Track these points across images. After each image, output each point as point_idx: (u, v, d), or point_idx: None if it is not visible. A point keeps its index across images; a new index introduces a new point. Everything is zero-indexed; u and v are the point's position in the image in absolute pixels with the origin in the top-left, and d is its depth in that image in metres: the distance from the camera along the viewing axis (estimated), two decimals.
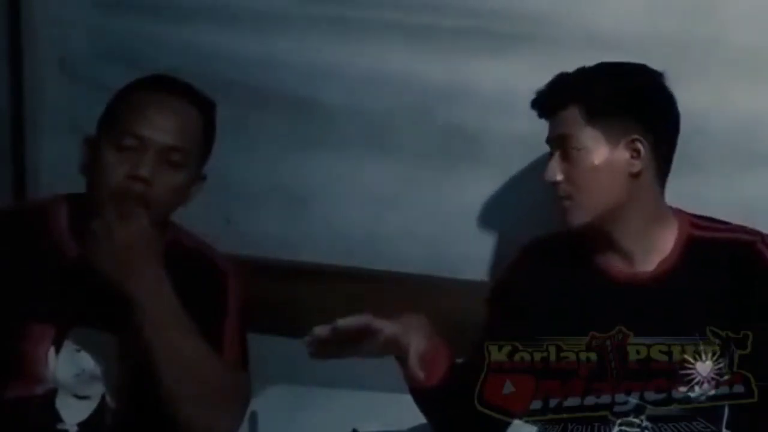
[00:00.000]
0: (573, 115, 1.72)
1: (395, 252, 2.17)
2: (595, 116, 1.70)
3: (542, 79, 1.77)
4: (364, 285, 2.18)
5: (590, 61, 1.78)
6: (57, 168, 2.30)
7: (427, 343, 1.64)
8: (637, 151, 1.71)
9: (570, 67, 1.77)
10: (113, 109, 1.73)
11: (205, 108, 1.75)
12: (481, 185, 2.10)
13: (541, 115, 1.78)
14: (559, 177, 1.73)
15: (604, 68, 1.75)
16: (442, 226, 2.13)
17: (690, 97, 1.88)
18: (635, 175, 1.72)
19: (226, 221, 2.24)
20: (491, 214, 2.10)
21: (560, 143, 1.73)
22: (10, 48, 2.38)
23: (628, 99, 1.72)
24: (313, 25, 2.17)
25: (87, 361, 1.69)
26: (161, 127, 1.67)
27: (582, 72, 1.75)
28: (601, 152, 1.71)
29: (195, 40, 2.25)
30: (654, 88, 1.74)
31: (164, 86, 1.73)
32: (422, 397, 1.68)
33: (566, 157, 1.73)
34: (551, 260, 1.79)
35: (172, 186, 1.68)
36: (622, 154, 1.71)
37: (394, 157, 2.16)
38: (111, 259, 1.60)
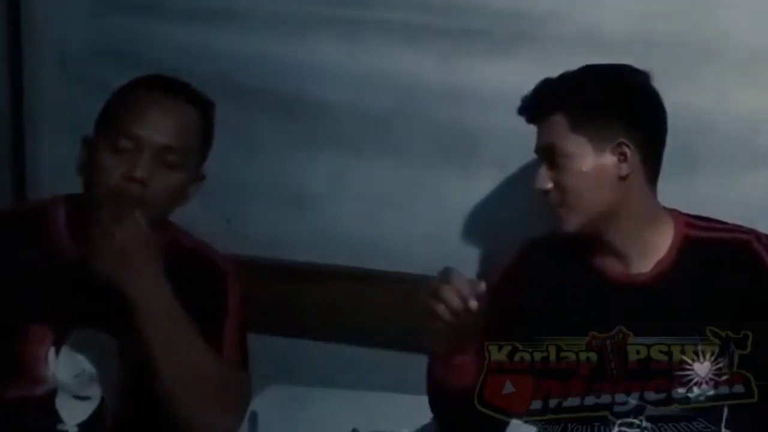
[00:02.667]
0: (558, 122, 1.72)
1: (395, 252, 2.17)
2: (579, 123, 1.71)
3: (542, 79, 1.77)
4: (364, 285, 2.18)
5: (591, 61, 1.78)
6: (57, 168, 2.30)
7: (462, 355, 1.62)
8: (624, 155, 1.71)
9: (570, 67, 1.77)
10: (110, 110, 1.72)
11: (203, 108, 1.74)
12: (481, 185, 2.10)
13: (529, 121, 1.78)
14: (549, 185, 1.74)
15: (586, 72, 1.75)
16: (442, 226, 2.13)
17: (690, 97, 1.89)
18: (624, 178, 1.72)
19: (226, 221, 2.24)
20: (491, 214, 2.10)
21: (547, 152, 1.74)
22: (10, 48, 2.38)
23: (612, 103, 1.73)
24: (313, 25, 2.18)
25: (87, 362, 1.69)
26: (157, 126, 1.67)
27: (565, 78, 1.75)
28: (588, 158, 1.71)
29: (195, 40, 2.25)
30: (637, 89, 1.75)
31: (161, 86, 1.72)
32: (452, 396, 1.65)
33: (554, 165, 1.73)
34: (548, 261, 1.79)
35: (169, 186, 1.68)
36: (609, 159, 1.71)
37: (394, 157, 2.16)
38: (109, 262, 1.59)
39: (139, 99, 1.70)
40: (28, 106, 2.40)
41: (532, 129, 1.80)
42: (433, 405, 1.69)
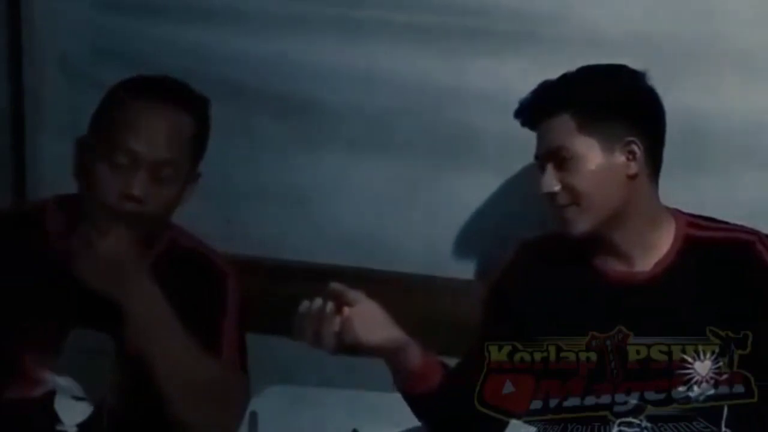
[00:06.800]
0: (563, 123, 1.72)
1: (395, 252, 2.17)
2: (586, 123, 1.70)
3: (543, 79, 1.77)
4: (364, 285, 2.17)
5: (591, 61, 1.78)
6: (57, 168, 2.30)
7: (421, 353, 1.64)
8: (633, 154, 1.71)
9: (571, 67, 1.77)
10: (104, 113, 1.71)
11: (198, 110, 1.73)
12: (481, 185, 2.10)
13: (525, 124, 1.78)
14: (557, 187, 1.72)
15: (588, 73, 1.75)
16: (442, 226, 2.13)
17: (690, 97, 1.89)
18: (632, 177, 1.72)
19: (226, 221, 2.24)
20: (491, 214, 2.10)
21: (554, 155, 1.73)
22: (10, 48, 2.38)
23: (619, 102, 1.73)
24: (314, 25, 2.17)
25: (85, 363, 1.69)
26: (152, 141, 1.66)
27: (567, 79, 1.75)
28: (597, 158, 1.71)
29: (195, 40, 2.25)
30: (640, 89, 1.75)
31: (156, 93, 1.71)
32: (416, 402, 1.68)
33: (561, 167, 1.72)
34: (548, 260, 1.79)
35: (166, 200, 1.68)
36: (619, 158, 1.71)
37: (394, 157, 2.16)
38: (95, 273, 1.59)
39: (133, 108, 1.68)
40: (29, 106, 2.40)
41: None
42: (420, 416, 1.70)
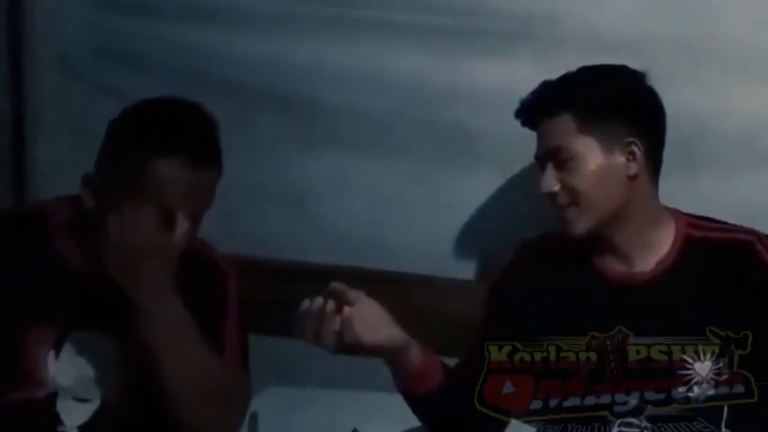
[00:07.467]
0: (563, 123, 1.72)
1: (395, 252, 2.17)
2: (586, 124, 1.71)
3: (542, 79, 1.77)
4: (364, 285, 2.17)
5: (591, 61, 1.78)
6: (57, 168, 2.30)
7: (421, 353, 1.64)
8: (633, 154, 1.72)
9: (571, 67, 1.77)
10: (122, 164, 1.63)
11: (218, 153, 1.67)
12: (481, 185, 2.10)
13: (525, 124, 1.78)
14: (556, 187, 1.73)
15: (588, 73, 1.75)
16: (442, 226, 2.13)
17: (690, 97, 1.89)
18: (632, 178, 1.72)
19: (226, 221, 2.24)
20: (491, 214, 2.10)
21: (554, 155, 1.73)
22: (10, 47, 2.38)
23: (619, 103, 1.73)
24: (313, 25, 2.18)
25: (87, 364, 1.69)
26: (191, 200, 1.62)
27: (567, 79, 1.75)
28: (597, 158, 1.71)
29: (195, 40, 2.25)
30: (640, 89, 1.75)
31: (178, 146, 1.61)
32: (416, 402, 1.68)
33: (561, 167, 1.73)
34: (548, 260, 1.79)
35: (196, 231, 1.67)
36: (618, 158, 1.72)
37: (394, 157, 2.16)
38: (121, 262, 1.59)
39: (158, 169, 1.60)
40: (29, 106, 2.40)
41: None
42: (420, 416, 1.70)
